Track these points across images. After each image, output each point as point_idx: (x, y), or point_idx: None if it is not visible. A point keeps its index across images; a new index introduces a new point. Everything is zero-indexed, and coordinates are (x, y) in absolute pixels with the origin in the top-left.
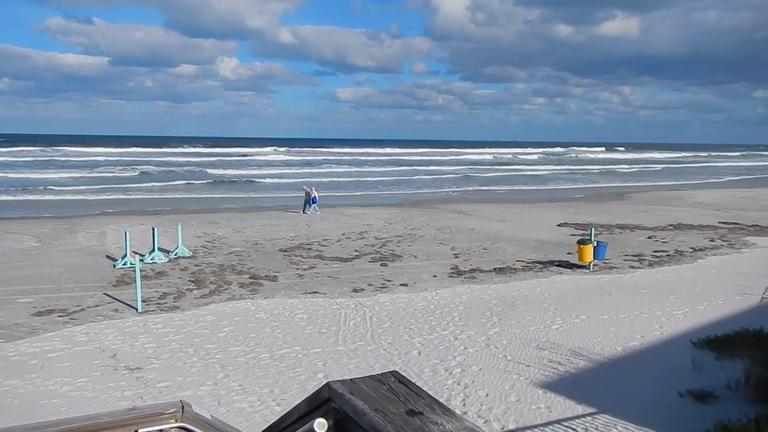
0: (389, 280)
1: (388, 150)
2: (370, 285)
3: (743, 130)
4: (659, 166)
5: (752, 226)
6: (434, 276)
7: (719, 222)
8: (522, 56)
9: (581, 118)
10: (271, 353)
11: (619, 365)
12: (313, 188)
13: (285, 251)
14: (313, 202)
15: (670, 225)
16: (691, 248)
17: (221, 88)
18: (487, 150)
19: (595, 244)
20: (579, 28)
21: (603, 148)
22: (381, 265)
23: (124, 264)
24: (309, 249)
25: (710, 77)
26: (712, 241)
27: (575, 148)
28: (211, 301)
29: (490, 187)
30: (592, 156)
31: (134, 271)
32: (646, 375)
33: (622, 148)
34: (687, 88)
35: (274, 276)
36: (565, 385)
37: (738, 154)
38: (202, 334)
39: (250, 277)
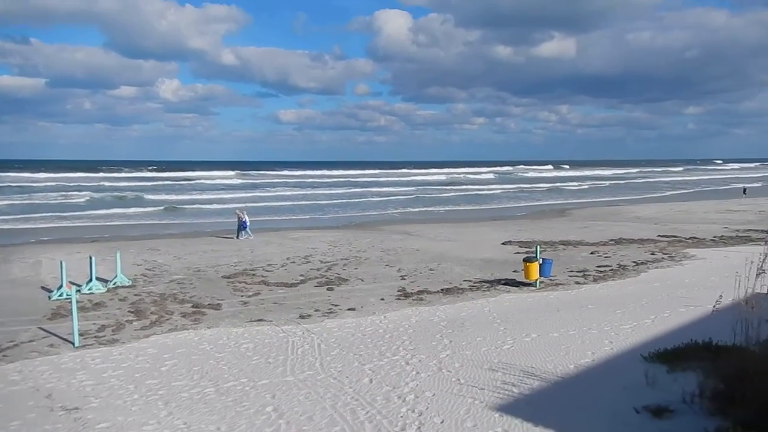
0: (336, 305)
1: (335, 171)
2: (317, 310)
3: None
4: (606, 182)
5: (690, 238)
6: (382, 299)
7: (658, 235)
8: (463, 77)
9: (521, 137)
10: (216, 387)
11: (573, 383)
12: (245, 212)
13: (228, 278)
14: (244, 227)
15: (612, 240)
16: (634, 262)
17: (162, 111)
18: (436, 170)
19: (540, 262)
20: (518, 49)
21: (550, 166)
22: (327, 289)
23: (59, 295)
24: (253, 275)
25: (644, 95)
26: (653, 254)
27: (523, 166)
28: (152, 333)
29: (435, 208)
30: (539, 174)
31: (70, 302)
32: (601, 392)
33: (567, 166)
34: (622, 106)
35: (218, 304)
36: (521, 407)
37: (681, 168)
38: (143, 369)
39: (192, 306)
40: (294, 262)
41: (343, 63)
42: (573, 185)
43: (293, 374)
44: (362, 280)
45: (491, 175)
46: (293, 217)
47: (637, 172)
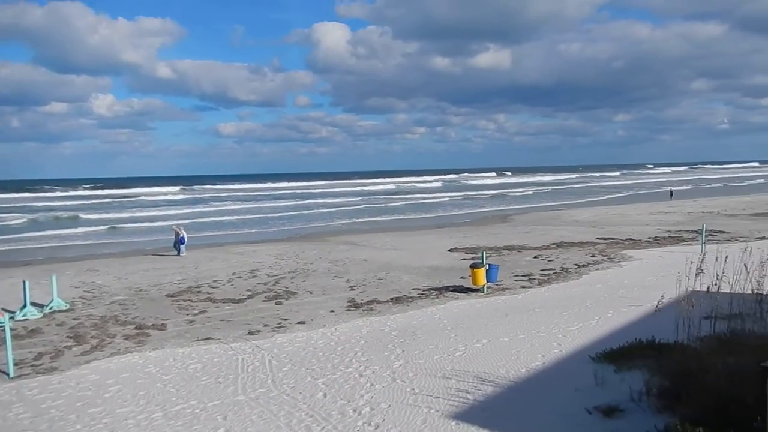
0: (286, 319)
1: (279, 184)
2: (266, 326)
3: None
4: (548, 188)
5: (626, 240)
6: (332, 311)
7: (597, 238)
8: (402, 88)
9: (461, 145)
10: (164, 411)
11: (526, 387)
12: (182, 227)
13: (172, 296)
14: (182, 243)
15: (553, 244)
16: (576, 265)
17: (96, 126)
18: (381, 180)
19: (487, 267)
20: (455, 60)
21: (494, 173)
22: (276, 303)
23: None
24: (198, 292)
25: (576, 104)
26: (593, 256)
27: (467, 174)
28: (94, 358)
29: (380, 217)
30: (483, 181)
31: (3, 330)
32: (553, 394)
33: (509, 173)
34: (556, 114)
35: (162, 324)
36: (476, 414)
37: (618, 173)
38: (85, 397)
39: (135, 328)
40: (240, 277)
41: (282, 75)
42: (518, 191)
43: (245, 393)
44: (311, 293)
45: (438, 184)
46: (237, 231)
47: (577, 177)
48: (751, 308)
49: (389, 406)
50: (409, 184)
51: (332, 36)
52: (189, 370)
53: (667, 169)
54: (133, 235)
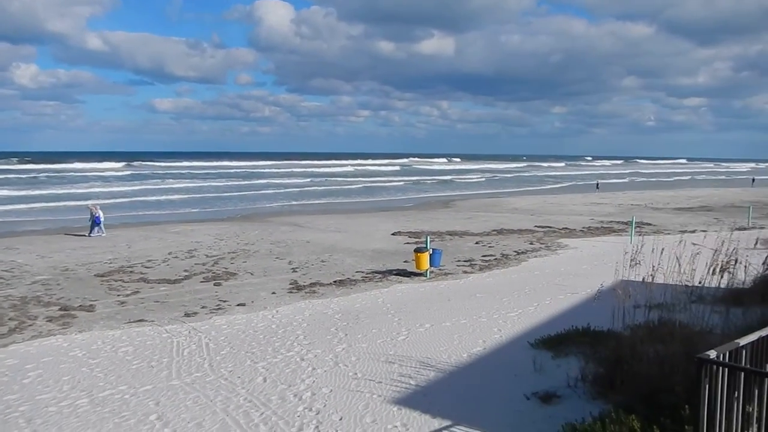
0: (225, 301)
1: (220, 162)
2: (203, 307)
3: (545, 142)
4: (499, 176)
5: (562, 228)
6: (273, 293)
7: (535, 226)
8: (347, 70)
9: (405, 130)
10: (90, 397)
11: (467, 372)
12: (98, 207)
13: (102, 276)
14: (97, 223)
15: (494, 230)
16: (515, 251)
17: (17, 98)
18: (326, 162)
19: (430, 252)
20: (400, 45)
21: (445, 160)
22: (215, 284)
23: None
24: (131, 272)
25: (516, 94)
26: (531, 244)
27: (417, 159)
28: (12, 342)
29: (325, 199)
30: (433, 167)
31: None
32: (493, 380)
33: (459, 159)
34: (496, 103)
35: (91, 305)
36: (419, 399)
37: (563, 164)
38: (0, 383)
39: (60, 309)
40: (177, 257)
41: (223, 52)
42: (473, 177)
43: (179, 378)
44: (252, 274)
45: (388, 168)
46: (175, 210)
47: (525, 166)
48: (680, 298)
49: (331, 391)
50: (354, 168)
51: (275, 14)
52: (119, 354)
53: (606, 162)
54: (58, 212)
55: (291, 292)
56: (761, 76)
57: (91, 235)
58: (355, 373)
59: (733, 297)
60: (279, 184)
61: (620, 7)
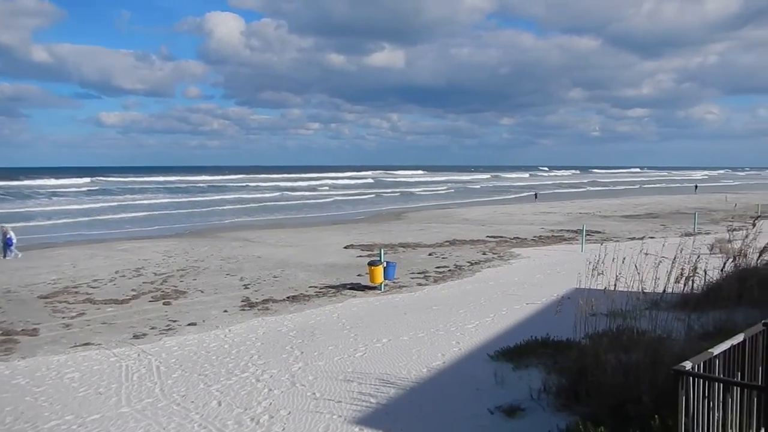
0: (175, 321)
1: (171, 177)
2: (153, 328)
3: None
4: (465, 186)
5: (514, 238)
6: (225, 311)
7: (487, 236)
8: (297, 83)
9: (355, 142)
10: (35, 429)
11: (428, 388)
12: (9, 228)
13: (46, 297)
14: (9, 244)
15: (447, 241)
16: (468, 262)
17: None
18: (278, 176)
19: (384, 265)
20: (351, 57)
21: (410, 171)
22: (164, 303)
23: None
24: (76, 292)
25: (466, 106)
26: (484, 254)
27: (383, 171)
28: None
29: (276, 214)
30: (388, 179)
31: None
32: (455, 394)
33: (422, 171)
34: (446, 115)
35: (34, 329)
36: (380, 418)
37: (527, 174)
38: None
39: (1, 334)
40: (124, 276)
41: (171, 64)
42: (440, 189)
43: (129, 404)
44: (202, 292)
45: (339, 181)
46: (122, 227)
47: (490, 177)
48: (639, 306)
49: (289, 413)
50: (305, 182)
51: (225, 26)
52: (65, 381)
53: (566, 172)
54: None
55: (243, 310)
56: (701, 88)
57: (6, 257)
58: (314, 393)
59: (690, 303)
60: (228, 199)
61: (567, 21)
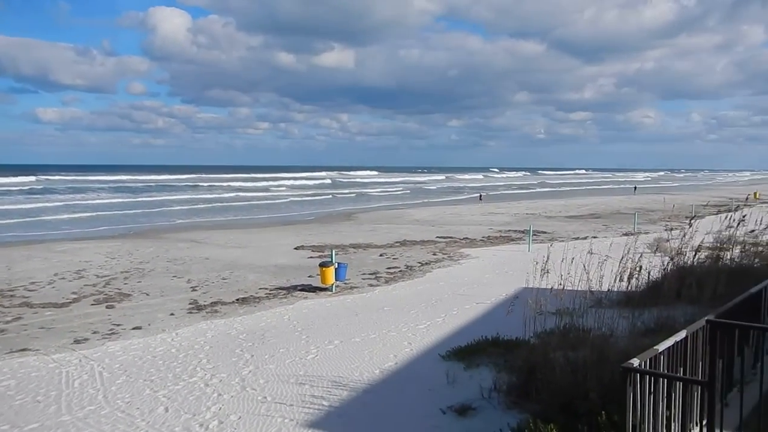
0: (119, 324)
1: (114, 177)
2: (95, 333)
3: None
4: (425, 186)
5: (463, 238)
6: (171, 314)
7: (437, 237)
8: (246, 81)
9: (304, 143)
10: None
11: (381, 389)
12: None
13: None
14: None
15: (397, 242)
16: (419, 263)
17: None
18: (227, 175)
19: (336, 266)
20: (300, 57)
21: (367, 171)
22: (107, 307)
23: None
24: (11, 296)
25: (415, 108)
26: (434, 254)
27: (334, 172)
28: None
29: (224, 215)
30: (356, 180)
31: None
32: (408, 395)
33: (376, 172)
34: (396, 116)
35: None
36: (333, 421)
37: (482, 176)
38: None
39: None
40: (64, 278)
41: (114, 59)
42: (396, 190)
43: (70, 412)
44: (147, 295)
45: (288, 182)
46: (61, 228)
47: (445, 179)
48: (585, 304)
49: (239, 417)
50: (253, 182)
51: (171, 22)
52: (0, 389)
53: (518, 174)
54: None
55: (191, 313)
56: (639, 92)
57: None
58: (265, 397)
59: (633, 300)
60: (176, 199)
61: (513, 25)
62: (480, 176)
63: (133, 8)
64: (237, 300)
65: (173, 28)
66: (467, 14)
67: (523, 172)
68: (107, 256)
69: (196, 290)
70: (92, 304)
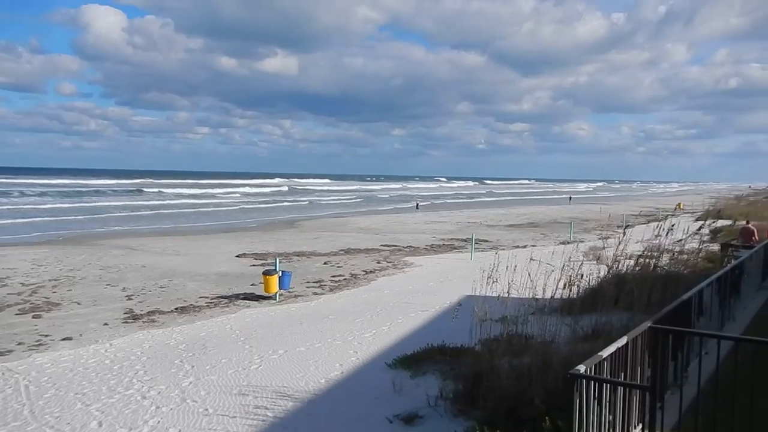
0: (47, 335)
1: (42, 180)
2: (20, 344)
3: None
4: (378, 195)
5: (407, 247)
6: (105, 324)
7: (381, 245)
8: (185, 84)
9: (246, 149)
10: None
11: (326, 399)
12: None
13: None
14: None
15: (341, 250)
16: (364, 271)
17: None
18: (164, 180)
19: (280, 274)
20: (242, 61)
21: (324, 179)
22: (33, 317)
23: None
24: None
25: (359, 115)
26: (379, 263)
27: (283, 179)
28: None
29: (163, 222)
30: (311, 187)
31: None
32: (354, 405)
33: (328, 180)
34: (339, 124)
35: None
36: None
37: (435, 185)
38: None
39: None
40: None
41: (42, 58)
42: (348, 199)
43: None
44: (79, 304)
45: (230, 188)
46: None
47: (400, 187)
48: (527, 311)
49: (179, 431)
50: (192, 188)
51: (105, 21)
52: None
53: (465, 183)
54: None
55: (127, 323)
56: (574, 105)
57: None
58: (206, 409)
59: (573, 307)
60: (108, 206)
61: (455, 37)
62: (433, 185)
63: (64, 4)
64: (176, 309)
65: (107, 26)
66: (410, 24)
67: (472, 182)
68: (34, 263)
69: (131, 299)
70: (17, 314)
